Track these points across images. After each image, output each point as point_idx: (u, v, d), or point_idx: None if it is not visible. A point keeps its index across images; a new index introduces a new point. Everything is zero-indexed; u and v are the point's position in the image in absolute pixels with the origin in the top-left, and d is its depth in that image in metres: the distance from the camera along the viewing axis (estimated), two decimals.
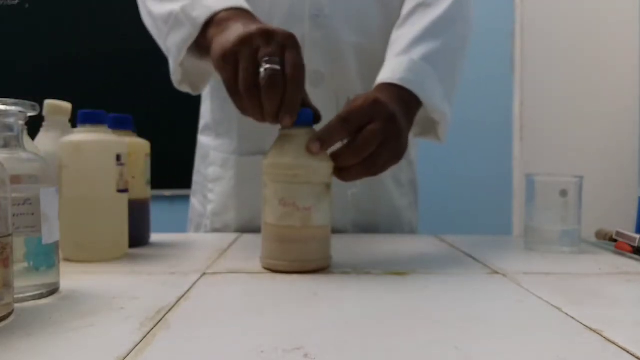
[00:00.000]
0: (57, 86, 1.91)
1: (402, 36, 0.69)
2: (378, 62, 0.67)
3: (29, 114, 0.41)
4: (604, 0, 1.85)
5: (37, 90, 1.56)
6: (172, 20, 0.64)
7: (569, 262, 0.59)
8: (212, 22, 0.59)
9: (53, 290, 0.43)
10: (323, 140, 0.51)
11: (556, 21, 1.88)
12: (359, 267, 0.54)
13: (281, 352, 0.30)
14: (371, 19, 0.78)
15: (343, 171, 0.54)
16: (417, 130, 0.75)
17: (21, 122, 0.41)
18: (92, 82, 1.95)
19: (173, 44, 0.65)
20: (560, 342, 0.33)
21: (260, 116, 0.52)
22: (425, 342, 0.33)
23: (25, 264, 0.41)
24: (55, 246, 0.43)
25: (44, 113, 0.64)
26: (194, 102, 0.95)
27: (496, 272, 0.53)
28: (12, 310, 0.37)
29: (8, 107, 0.39)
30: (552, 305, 0.41)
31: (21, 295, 0.40)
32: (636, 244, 0.62)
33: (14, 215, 0.39)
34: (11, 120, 0.40)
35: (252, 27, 0.52)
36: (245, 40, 0.51)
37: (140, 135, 0.66)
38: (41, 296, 0.41)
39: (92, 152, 0.55)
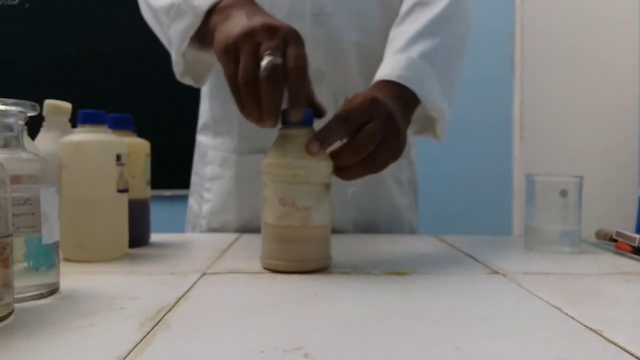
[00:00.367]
0: (57, 86, 1.91)
1: (400, 34, 0.69)
2: (379, 61, 0.67)
3: (29, 114, 0.41)
4: (604, 0, 1.85)
5: (37, 90, 1.56)
6: (174, 11, 0.64)
7: (569, 262, 0.59)
8: (215, 10, 0.59)
9: (53, 290, 0.43)
10: (322, 140, 0.51)
11: (556, 21, 1.88)
12: (359, 267, 0.54)
13: (281, 352, 0.30)
14: (372, 18, 0.78)
15: (343, 170, 0.54)
16: (416, 128, 0.75)
17: (21, 122, 0.41)
18: (92, 82, 1.95)
19: (175, 34, 0.64)
20: (560, 342, 0.33)
21: (258, 113, 0.51)
22: (425, 342, 0.33)
23: (25, 264, 0.41)
24: (55, 246, 0.43)
25: (44, 113, 0.64)
26: (194, 102, 0.95)
27: (496, 272, 0.53)
28: (12, 310, 0.37)
29: (8, 107, 0.39)
30: (552, 305, 0.41)
31: (21, 295, 0.40)
32: (636, 244, 0.62)
33: (14, 215, 0.39)
34: (11, 120, 0.40)
35: (256, 21, 0.52)
36: (247, 35, 0.51)
37: (140, 135, 0.66)
38: (41, 296, 0.41)
39: (92, 152, 0.55)
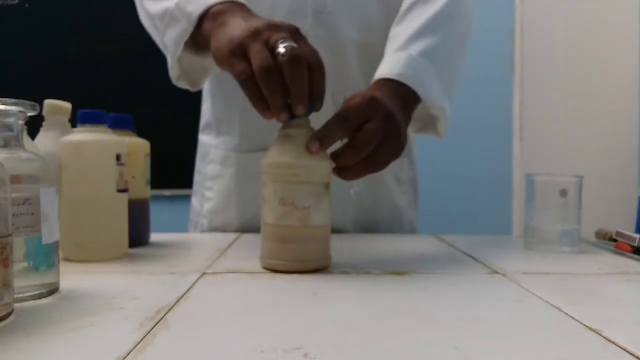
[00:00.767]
0: (57, 86, 1.91)
1: (400, 32, 0.69)
2: (379, 59, 0.67)
3: (29, 114, 0.41)
4: (604, 0, 1.85)
5: (37, 90, 1.56)
6: (168, 17, 0.64)
7: (569, 262, 0.59)
8: (207, 16, 0.59)
9: (53, 290, 0.43)
10: (322, 139, 0.51)
11: (556, 21, 1.88)
12: (359, 267, 0.54)
13: (281, 352, 0.30)
14: (373, 16, 0.78)
15: (343, 170, 0.54)
16: (417, 126, 0.75)
17: (21, 122, 0.41)
18: (92, 82, 1.95)
19: (170, 40, 0.65)
20: (560, 342, 0.33)
21: (282, 99, 0.49)
22: (425, 342, 0.33)
23: (25, 264, 0.41)
24: (55, 246, 0.43)
25: (44, 113, 0.64)
26: (194, 102, 0.95)
27: (496, 272, 0.53)
28: (12, 310, 0.37)
29: (8, 107, 0.39)
30: (552, 305, 0.41)
31: (21, 295, 0.40)
32: (636, 244, 0.62)
33: (14, 215, 0.39)
34: (11, 120, 0.40)
35: (257, 22, 0.52)
36: (253, 34, 0.51)
37: (140, 135, 0.66)
38: (41, 296, 0.41)
39: (92, 152, 0.55)
